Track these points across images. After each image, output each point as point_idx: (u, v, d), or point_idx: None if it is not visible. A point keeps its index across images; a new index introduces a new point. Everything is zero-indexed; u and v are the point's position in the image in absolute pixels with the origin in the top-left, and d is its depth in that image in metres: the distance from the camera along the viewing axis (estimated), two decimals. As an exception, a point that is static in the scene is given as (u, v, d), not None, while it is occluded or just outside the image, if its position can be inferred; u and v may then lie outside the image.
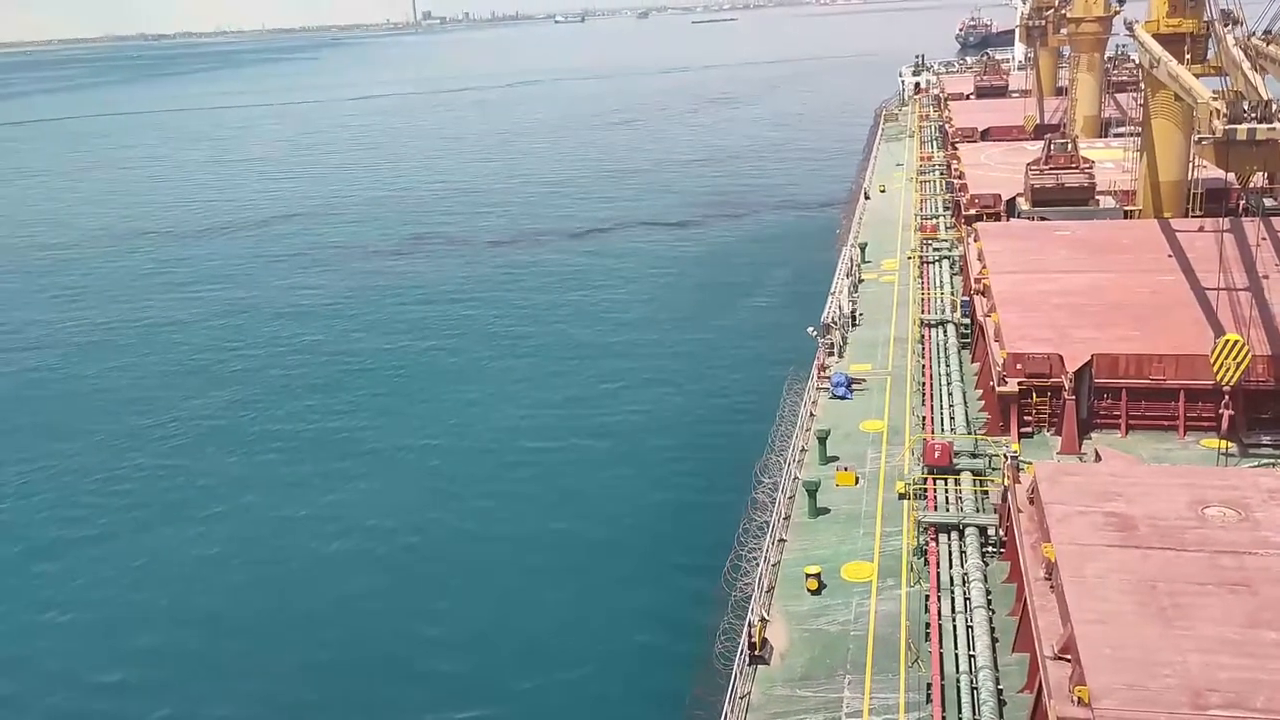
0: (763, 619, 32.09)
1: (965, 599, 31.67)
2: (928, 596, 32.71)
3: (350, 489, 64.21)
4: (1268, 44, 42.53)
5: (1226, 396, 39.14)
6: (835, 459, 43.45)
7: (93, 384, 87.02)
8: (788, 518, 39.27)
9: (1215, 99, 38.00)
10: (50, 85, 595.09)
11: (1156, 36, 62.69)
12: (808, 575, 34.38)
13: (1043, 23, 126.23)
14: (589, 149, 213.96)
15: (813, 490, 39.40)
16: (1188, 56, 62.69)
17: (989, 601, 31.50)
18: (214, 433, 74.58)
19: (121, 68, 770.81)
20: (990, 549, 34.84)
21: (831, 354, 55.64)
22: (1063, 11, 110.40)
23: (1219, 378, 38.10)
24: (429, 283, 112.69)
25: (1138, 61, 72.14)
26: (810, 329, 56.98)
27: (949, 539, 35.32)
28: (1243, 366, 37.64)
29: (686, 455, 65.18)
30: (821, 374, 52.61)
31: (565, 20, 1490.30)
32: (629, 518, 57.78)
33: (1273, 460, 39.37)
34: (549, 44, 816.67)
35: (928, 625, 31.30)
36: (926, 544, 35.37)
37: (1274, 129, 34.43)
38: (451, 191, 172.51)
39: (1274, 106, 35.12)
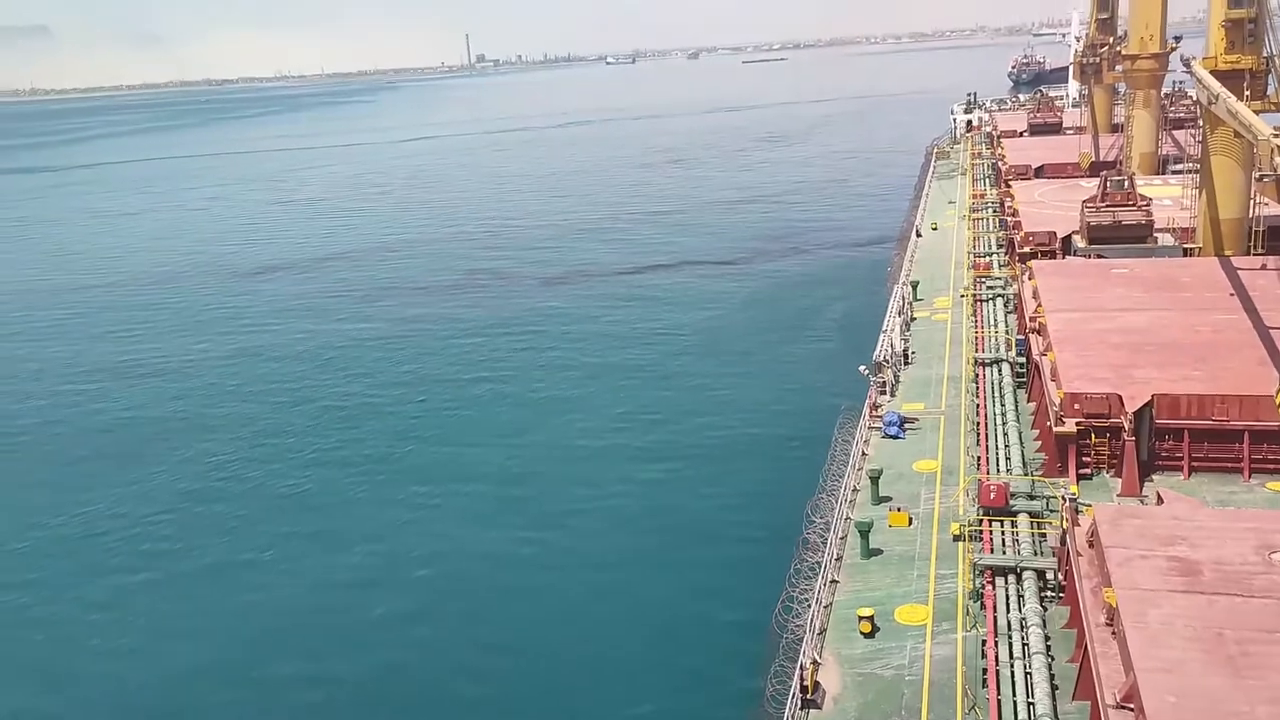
0: (815, 661, 31.65)
1: (1023, 644, 30.98)
2: (984, 641, 32.05)
3: (400, 518, 65.09)
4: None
5: (1293, 438, 38.19)
6: (888, 499, 42.92)
7: (153, 413, 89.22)
8: (840, 558, 38.79)
9: (1277, 135, 37.39)
10: (122, 129, 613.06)
11: (1214, 73, 61.92)
12: (860, 618, 33.89)
13: (1097, 60, 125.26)
14: (640, 187, 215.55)
15: (865, 531, 38.92)
16: (1247, 93, 61.95)
17: (1048, 647, 30.77)
18: (275, 457, 76.50)
19: (190, 112, 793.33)
20: (1049, 593, 34.11)
21: (884, 392, 55.13)
22: (1118, 48, 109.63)
23: (1285, 419, 37.18)
24: (483, 318, 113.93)
25: (1195, 98, 71.38)
26: (862, 367, 56.56)
27: (1006, 582, 34.63)
28: (1310, 407, 36.71)
29: (738, 493, 64.87)
30: (874, 413, 52.13)
31: (616, 61, 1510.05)
32: (680, 554, 57.53)
33: (1343, 504, 38.19)
34: (601, 84, 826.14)
35: (984, 671, 30.65)
36: (983, 587, 34.71)
37: (1339, 165, 33.80)
38: (504, 229, 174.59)
39: (1338, 143, 34.48)
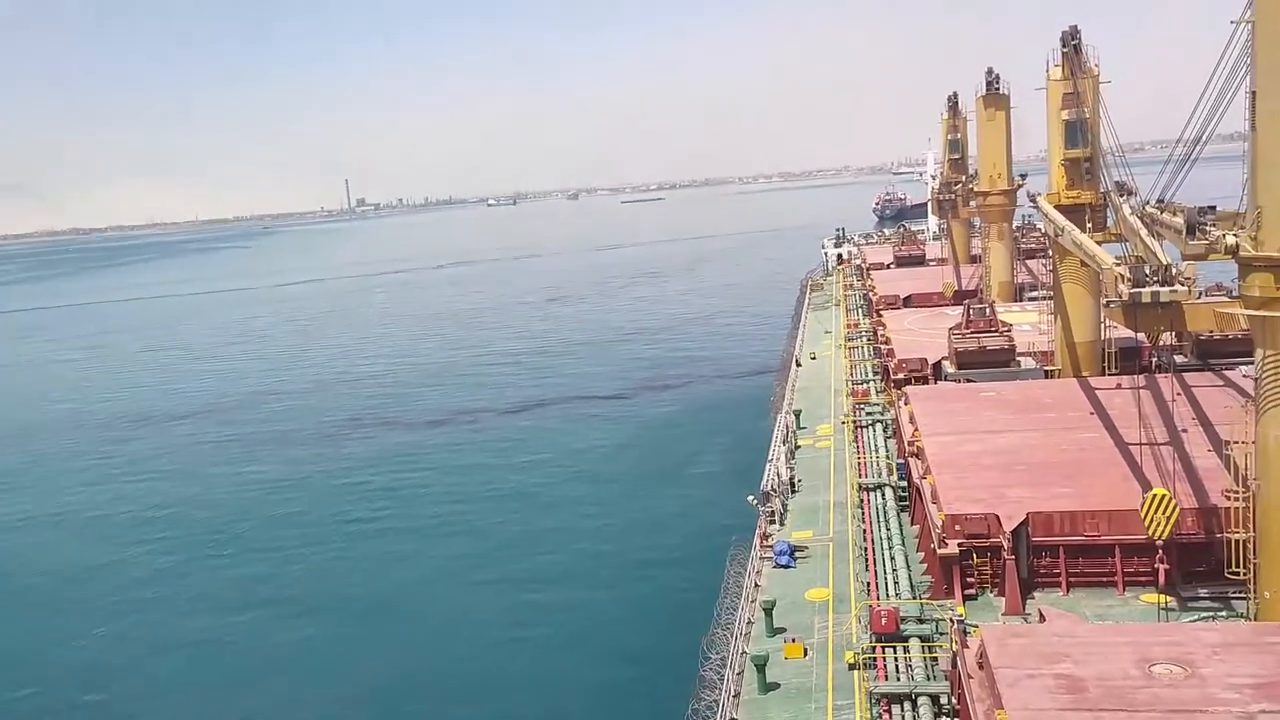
0: (718, 806, 30.79)
1: (923, 773, 30.82)
2: (885, 772, 31.77)
3: (274, 684, 61.63)
4: (1161, 212, 45.33)
5: (1160, 551, 39.74)
6: (783, 630, 42.74)
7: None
8: (738, 695, 38.23)
9: (1118, 264, 40.06)
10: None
11: (1058, 207, 66.32)
12: (762, 756, 33.26)
13: (952, 196, 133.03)
14: (522, 326, 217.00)
15: (761, 665, 38.56)
16: (1089, 225, 66.18)
17: (947, 774, 30.67)
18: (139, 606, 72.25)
19: (58, 262, 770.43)
20: (943, 718, 34.18)
21: (773, 522, 55.50)
22: (970, 185, 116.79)
23: (1150, 532, 38.75)
24: (365, 465, 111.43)
25: (1043, 230, 76.10)
26: (750, 497, 56.99)
27: (902, 709, 34.62)
28: (1172, 520, 38.37)
29: (630, 633, 63.84)
30: (764, 543, 52.32)
31: (498, 203, 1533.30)
32: (575, 702, 55.84)
33: (1211, 614, 39.64)
34: (482, 226, 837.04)
35: (887, 803, 30.25)
36: (880, 716, 34.60)
37: (1176, 291, 36.26)
38: (384, 372, 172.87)
39: (1173, 270, 37.09)
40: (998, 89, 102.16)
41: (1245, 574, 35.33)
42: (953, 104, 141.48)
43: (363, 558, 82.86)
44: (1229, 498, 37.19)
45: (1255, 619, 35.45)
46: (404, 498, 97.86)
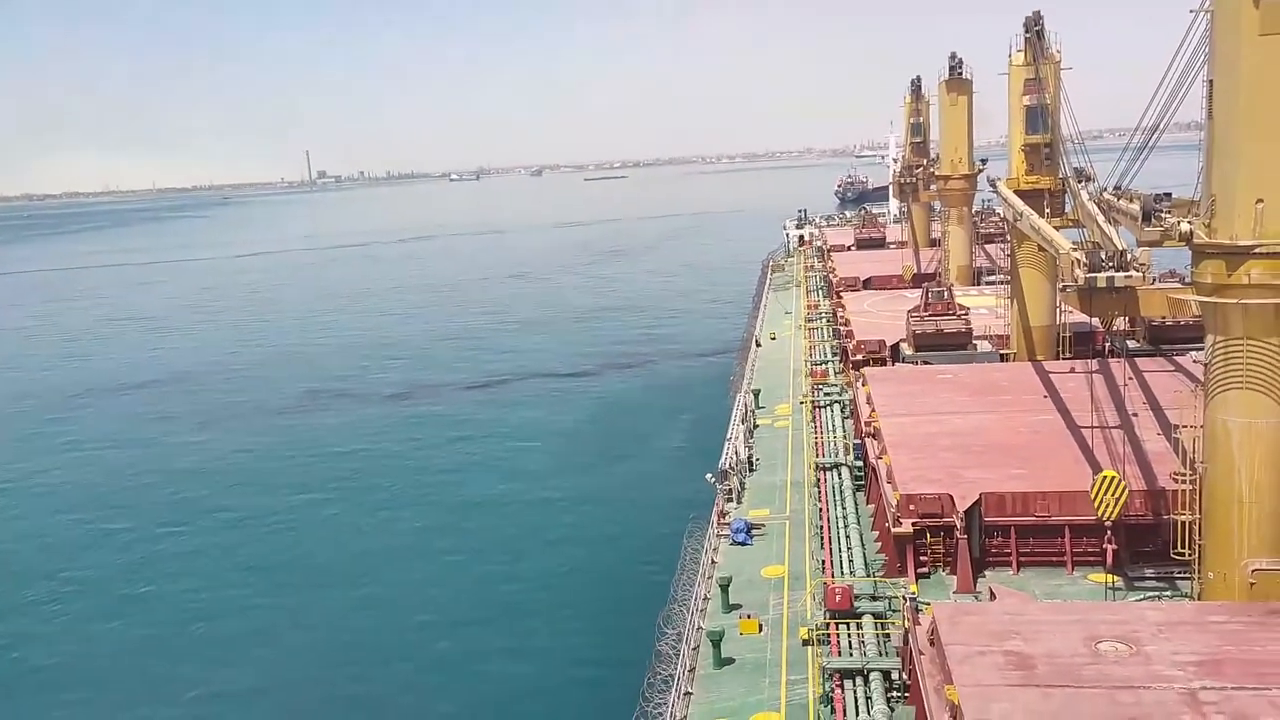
0: (671, 779, 31.05)
1: (874, 747, 31.28)
2: (836, 746, 32.21)
3: (233, 659, 61.16)
4: (1118, 198, 45.90)
5: (1109, 531, 40.50)
6: (738, 606, 43.10)
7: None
8: (693, 669, 38.53)
9: (1075, 249, 40.55)
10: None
11: (1018, 192, 67.01)
12: (715, 730, 33.59)
13: (914, 180, 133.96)
14: (484, 303, 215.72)
15: (717, 640, 38.88)
16: (1047, 210, 66.99)
17: (897, 748, 31.15)
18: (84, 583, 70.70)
19: (4, 229, 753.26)
20: (895, 694, 34.67)
21: (730, 500, 55.84)
22: (931, 170, 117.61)
23: (1099, 513, 39.46)
24: (323, 439, 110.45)
25: (1003, 215, 76.93)
26: (708, 475, 57.27)
27: (854, 685, 35.03)
28: (1121, 502, 39.10)
29: (587, 607, 64.05)
30: (721, 520, 52.64)
31: (460, 178, 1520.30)
32: (531, 675, 56.00)
33: (1156, 593, 40.49)
34: (445, 201, 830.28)
35: (838, 777, 30.67)
36: (832, 691, 35.03)
37: (1130, 277, 36.79)
38: (345, 345, 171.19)
39: (1129, 255, 37.60)
40: (960, 74, 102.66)
41: (1190, 555, 36.08)
42: (916, 88, 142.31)
43: (317, 529, 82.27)
44: (1177, 481, 37.93)
45: (1199, 599, 36.25)
46: (360, 470, 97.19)
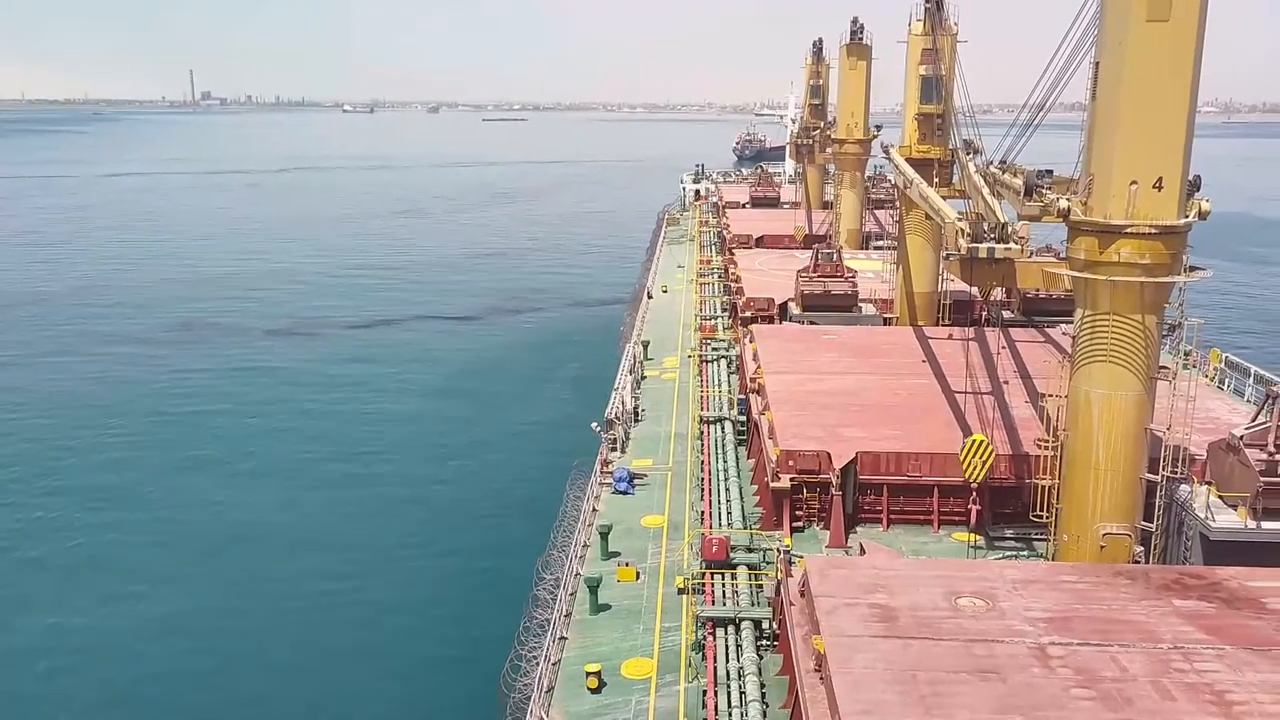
0: (543, 719, 31.44)
1: (741, 693, 32.16)
2: (705, 692, 33.02)
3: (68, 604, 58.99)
4: (1003, 172, 47.30)
5: (974, 493, 42.23)
6: (617, 554, 43.59)
7: None
8: (569, 615, 38.91)
9: (960, 219, 41.67)
10: None
11: (909, 160, 68.37)
12: (588, 673, 34.03)
13: (810, 141, 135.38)
14: (371, 239, 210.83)
15: (594, 586, 39.30)
16: (936, 180, 68.58)
17: (764, 695, 32.11)
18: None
19: None
20: (765, 642, 35.67)
21: (614, 449, 56.24)
22: (828, 132, 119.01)
23: (967, 475, 41.09)
24: (194, 373, 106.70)
25: (894, 181, 78.48)
26: (594, 424, 57.52)
27: (726, 633, 35.91)
28: (988, 465, 40.77)
29: (466, 553, 63.97)
30: (604, 469, 53.02)
31: (354, 110, 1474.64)
32: (406, 616, 55.76)
33: (1014, 553, 42.49)
34: (336, 132, 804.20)
35: (705, 721, 31.50)
36: (704, 639, 35.83)
37: (1009, 249, 38.01)
38: (221, 276, 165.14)
39: (1010, 228, 38.82)
40: (861, 39, 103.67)
41: (1048, 518, 37.92)
42: (817, 50, 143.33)
43: (181, 470, 79.65)
44: (1040, 446, 39.66)
45: (1053, 559, 38.22)
46: (232, 408, 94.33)
